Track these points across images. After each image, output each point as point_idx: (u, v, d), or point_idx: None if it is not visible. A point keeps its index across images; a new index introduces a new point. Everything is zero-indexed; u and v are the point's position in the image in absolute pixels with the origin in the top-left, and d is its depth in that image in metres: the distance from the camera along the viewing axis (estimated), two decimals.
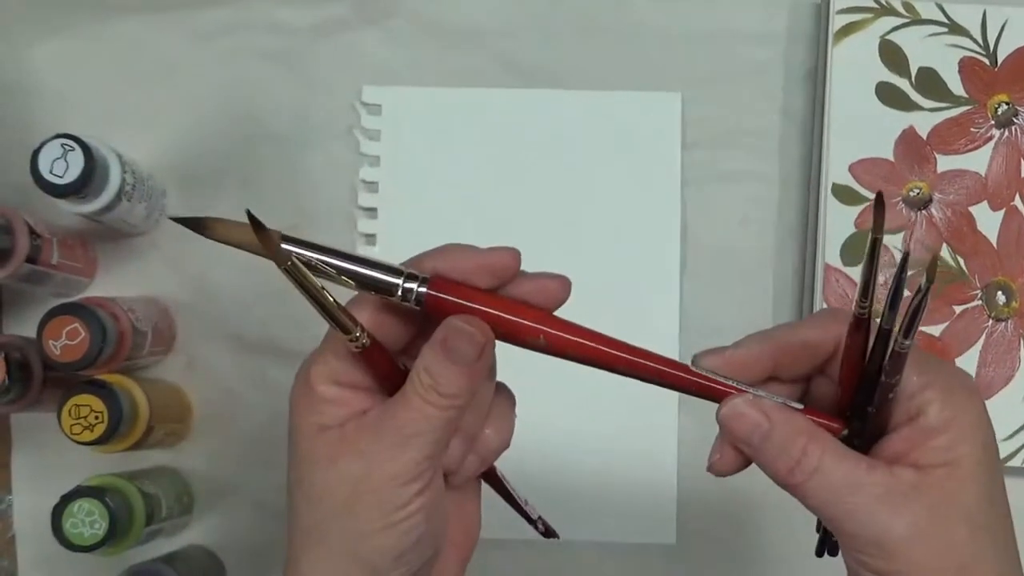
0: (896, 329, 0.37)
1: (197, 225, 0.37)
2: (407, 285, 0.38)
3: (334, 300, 0.37)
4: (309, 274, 0.36)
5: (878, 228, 0.36)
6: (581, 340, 0.40)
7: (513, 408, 0.43)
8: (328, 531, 0.38)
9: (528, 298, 0.40)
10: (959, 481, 0.37)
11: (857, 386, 0.40)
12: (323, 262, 0.38)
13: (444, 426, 0.38)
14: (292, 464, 0.40)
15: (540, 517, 0.47)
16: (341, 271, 0.38)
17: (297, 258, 0.36)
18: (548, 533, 0.47)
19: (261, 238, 0.34)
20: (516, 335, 0.39)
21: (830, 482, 0.38)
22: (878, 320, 0.38)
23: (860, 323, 0.39)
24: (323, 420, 0.39)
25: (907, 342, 0.37)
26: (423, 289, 0.38)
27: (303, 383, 0.40)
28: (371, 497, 0.38)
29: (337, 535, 0.38)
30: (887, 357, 0.38)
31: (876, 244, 0.37)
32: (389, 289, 0.38)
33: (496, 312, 0.39)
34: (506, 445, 0.42)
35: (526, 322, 0.39)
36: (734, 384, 0.40)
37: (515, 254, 0.40)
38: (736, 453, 0.40)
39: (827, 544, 0.45)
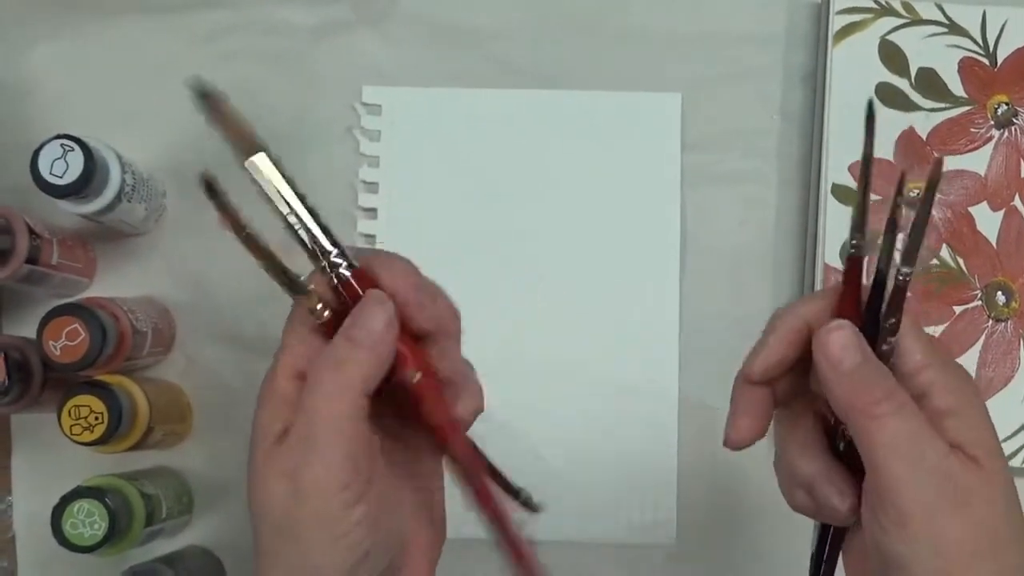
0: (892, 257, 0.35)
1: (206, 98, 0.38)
2: (335, 259, 0.38)
3: (288, 269, 0.37)
4: (266, 244, 0.36)
5: (869, 143, 0.35)
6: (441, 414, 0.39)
7: (474, 369, 0.42)
8: (278, 551, 0.38)
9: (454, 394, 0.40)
10: (991, 466, 0.37)
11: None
12: (282, 197, 0.37)
13: (351, 421, 0.37)
14: (247, 473, 0.39)
15: (523, 489, 0.46)
16: (293, 213, 0.37)
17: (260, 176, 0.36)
18: (529, 505, 0.46)
19: (219, 207, 0.35)
20: (398, 366, 0.39)
21: (909, 427, 0.37)
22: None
23: (854, 264, 0.37)
24: (272, 422, 0.38)
25: (908, 270, 0.35)
26: (346, 273, 0.38)
27: (269, 379, 0.39)
28: (306, 517, 0.37)
29: (286, 555, 0.37)
30: (887, 294, 0.37)
31: (868, 162, 0.35)
32: (321, 252, 0.37)
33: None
34: (482, 407, 0.41)
35: (410, 359, 0.39)
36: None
37: (456, 318, 0.40)
38: (758, 421, 0.40)
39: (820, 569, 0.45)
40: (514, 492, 0.45)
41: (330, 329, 0.38)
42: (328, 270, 0.38)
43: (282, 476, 0.37)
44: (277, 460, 0.37)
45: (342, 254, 0.38)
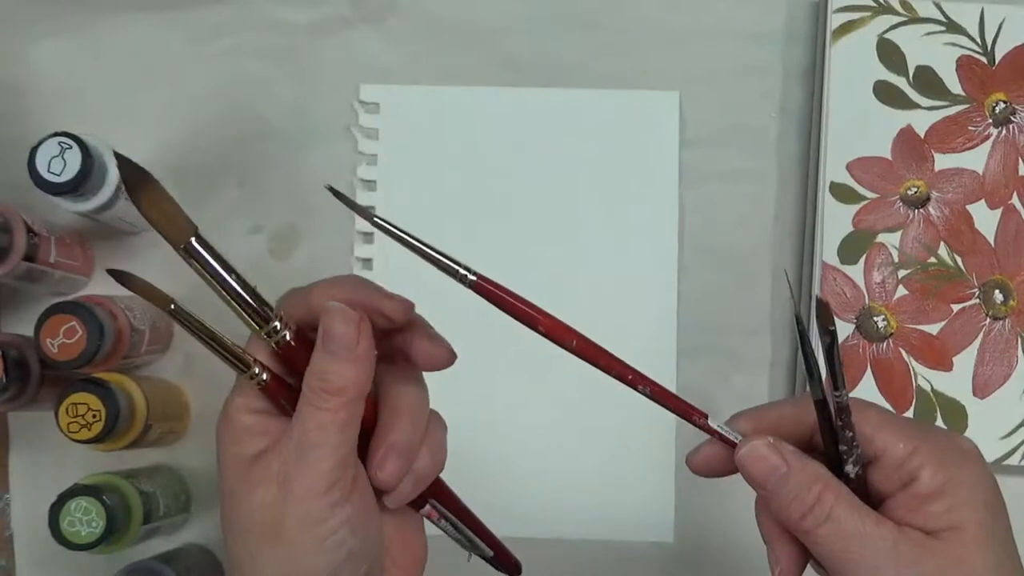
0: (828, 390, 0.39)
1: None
2: (274, 327, 0.40)
3: (228, 340, 0.39)
4: (195, 317, 0.39)
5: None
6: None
7: (445, 433, 0.43)
8: (260, 561, 0.39)
9: (413, 354, 0.41)
10: (965, 546, 0.37)
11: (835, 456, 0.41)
12: (222, 275, 0.39)
13: (340, 430, 0.39)
14: (220, 499, 0.41)
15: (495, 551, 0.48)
16: (230, 289, 0.39)
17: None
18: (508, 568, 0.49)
19: (145, 294, 0.39)
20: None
21: (840, 531, 0.38)
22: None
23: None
24: (244, 450, 0.40)
25: (840, 393, 0.38)
26: (286, 335, 0.40)
27: (223, 415, 0.41)
28: (292, 519, 0.38)
29: (268, 563, 0.39)
30: (836, 417, 0.39)
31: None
32: (259, 323, 0.40)
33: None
34: (440, 468, 0.43)
35: None
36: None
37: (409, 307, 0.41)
38: (720, 462, 0.42)
39: None
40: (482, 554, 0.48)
41: (272, 388, 0.40)
42: (269, 337, 0.40)
43: (270, 483, 0.39)
44: (262, 470, 0.39)
45: (280, 320, 0.40)
